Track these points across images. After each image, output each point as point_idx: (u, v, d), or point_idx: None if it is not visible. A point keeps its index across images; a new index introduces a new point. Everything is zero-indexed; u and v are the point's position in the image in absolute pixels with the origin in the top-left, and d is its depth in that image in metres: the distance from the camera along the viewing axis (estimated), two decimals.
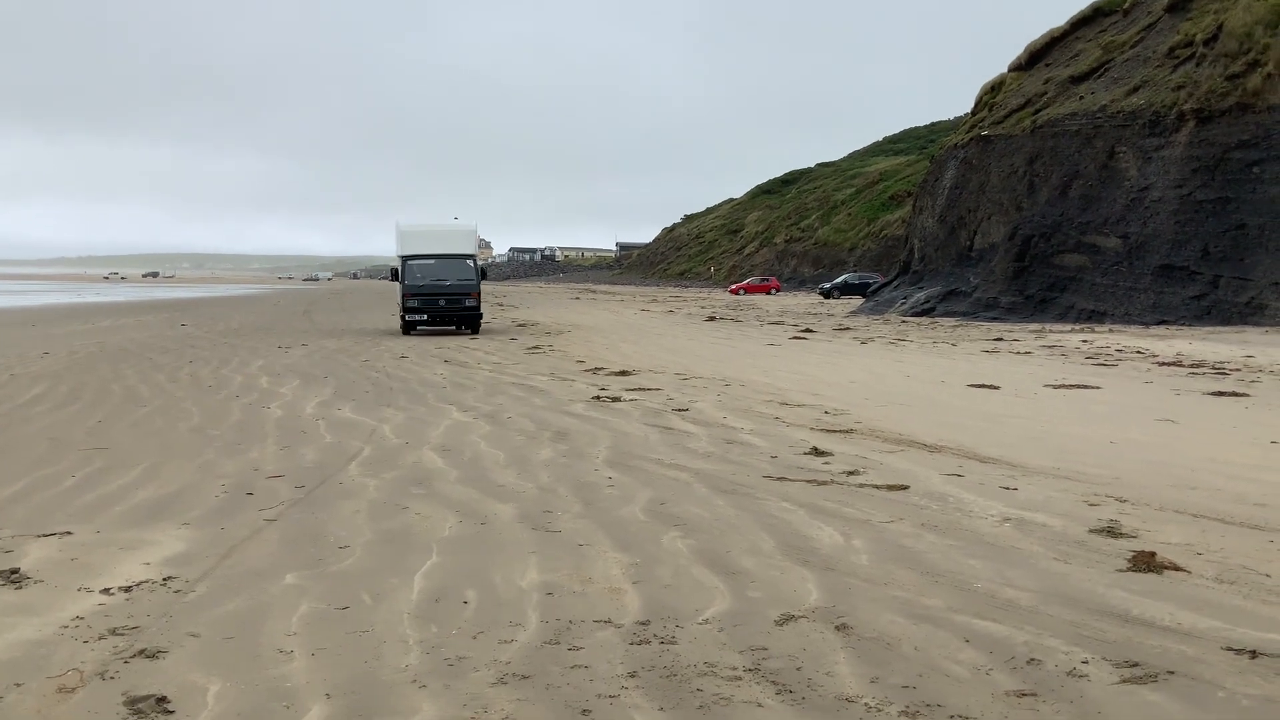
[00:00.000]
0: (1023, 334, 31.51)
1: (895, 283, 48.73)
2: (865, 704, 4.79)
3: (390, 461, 10.99)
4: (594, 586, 6.58)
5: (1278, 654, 5.31)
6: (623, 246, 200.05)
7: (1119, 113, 37.37)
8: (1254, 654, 5.31)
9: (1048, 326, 34.29)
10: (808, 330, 35.50)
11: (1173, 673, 5.09)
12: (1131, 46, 40.06)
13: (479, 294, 34.38)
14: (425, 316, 33.73)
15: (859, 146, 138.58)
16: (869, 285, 59.84)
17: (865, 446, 11.64)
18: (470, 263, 34.18)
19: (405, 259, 33.75)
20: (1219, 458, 10.83)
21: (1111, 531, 7.77)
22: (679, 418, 14.00)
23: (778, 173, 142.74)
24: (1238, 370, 19.80)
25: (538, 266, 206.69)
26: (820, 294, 72.85)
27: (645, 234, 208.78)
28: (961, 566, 6.95)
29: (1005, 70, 48.18)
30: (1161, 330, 30.76)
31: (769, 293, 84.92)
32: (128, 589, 6.55)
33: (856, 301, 56.79)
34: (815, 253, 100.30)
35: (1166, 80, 36.59)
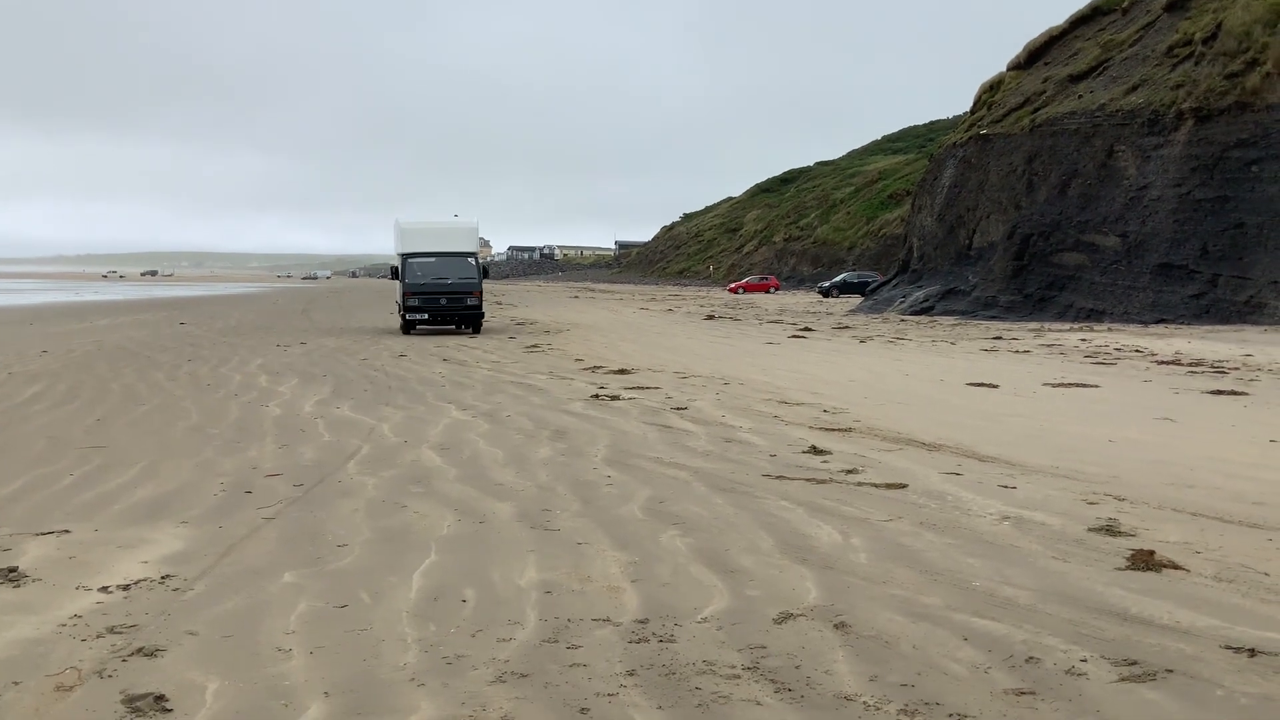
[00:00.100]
0: (1021, 333, 31.51)
1: (894, 281, 48.73)
2: (864, 702, 4.79)
3: (389, 460, 10.99)
4: (592, 585, 6.58)
5: (1276, 652, 5.31)
6: (622, 245, 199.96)
7: (1118, 111, 37.37)
8: (1252, 652, 5.31)
9: (1046, 325, 34.29)
10: (806, 329, 35.48)
11: (1171, 671, 5.09)
12: (1130, 45, 40.05)
13: (481, 293, 33.82)
14: (426, 315, 33.10)
15: (858, 145, 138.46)
16: (868, 284, 59.79)
17: (864, 445, 11.64)
18: (472, 261, 33.72)
19: (405, 257, 33.17)
20: (1218, 456, 10.83)
21: (1110, 530, 7.77)
22: (678, 416, 14.00)
23: (777, 171, 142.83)
24: (1236, 369, 19.81)
25: (537, 265, 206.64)
26: (819, 293, 72.86)
27: (644, 233, 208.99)
28: (960, 565, 6.95)
29: (1004, 69, 48.17)
30: (1160, 329, 30.77)
31: (768, 291, 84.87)
32: (126, 587, 6.54)
33: (855, 300, 56.77)
34: (814, 251, 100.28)
35: (1165, 79, 36.59)
